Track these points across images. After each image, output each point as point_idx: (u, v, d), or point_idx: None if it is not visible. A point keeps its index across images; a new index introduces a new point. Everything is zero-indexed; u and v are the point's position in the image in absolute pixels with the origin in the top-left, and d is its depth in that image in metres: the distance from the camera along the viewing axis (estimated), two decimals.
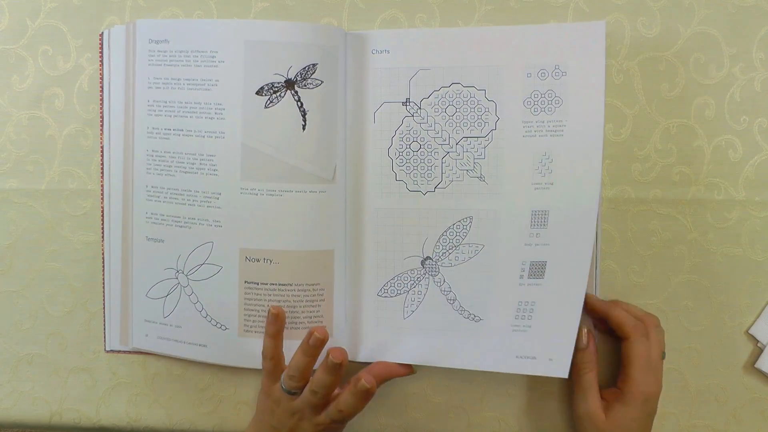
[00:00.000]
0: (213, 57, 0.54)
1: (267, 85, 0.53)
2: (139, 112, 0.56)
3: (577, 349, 0.54)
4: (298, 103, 0.53)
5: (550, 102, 0.54)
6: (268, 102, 0.53)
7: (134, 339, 0.58)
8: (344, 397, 0.53)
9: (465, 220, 0.55)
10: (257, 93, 0.53)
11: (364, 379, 0.52)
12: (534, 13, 0.57)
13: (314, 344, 0.53)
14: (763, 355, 0.56)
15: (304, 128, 0.54)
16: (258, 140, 0.54)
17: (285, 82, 0.53)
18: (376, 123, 0.56)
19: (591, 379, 0.54)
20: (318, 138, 0.54)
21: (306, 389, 0.53)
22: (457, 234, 0.55)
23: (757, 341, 0.57)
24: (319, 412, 0.53)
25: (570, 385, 0.57)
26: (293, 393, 0.53)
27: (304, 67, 0.53)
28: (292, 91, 0.53)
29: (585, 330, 0.54)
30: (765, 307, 0.57)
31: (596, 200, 0.53)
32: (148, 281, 0.57)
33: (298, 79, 0.53)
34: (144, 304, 0.57)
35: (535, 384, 0.58)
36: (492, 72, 0.54)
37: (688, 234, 0.57)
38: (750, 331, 0.57)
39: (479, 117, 0.55)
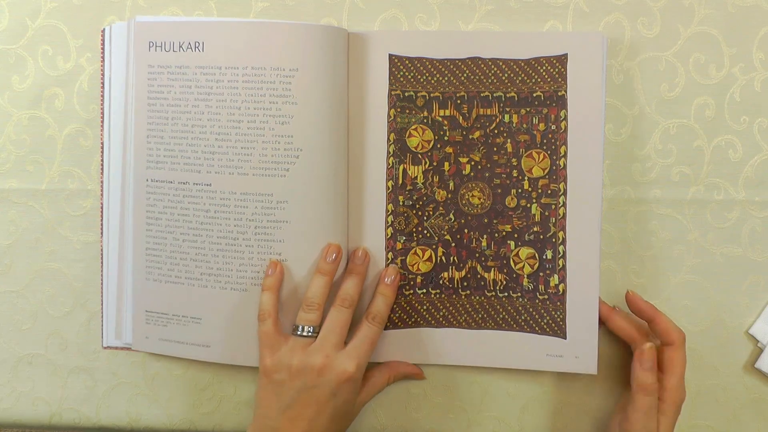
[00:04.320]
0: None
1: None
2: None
3: (643, 369, 0.51)
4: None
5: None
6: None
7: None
8: (374, 302, 0.54)
9: None
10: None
11: (390, 272, 0.55)
12: (534, 13, 0.57)
13: (332, 259, 0.54)
14: (763, 355, 0.56)
15: None
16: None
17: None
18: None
19: (654, 401, 0.51)
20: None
21: (332, 310, 0.53)
22: None
23: (757, 341, 0.57)
24: (341, 345, 0.52)
25: (573, 388, 0.58)
26: (310, 335, 0.52)
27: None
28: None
29: (649, 346, 0.51)
30: (765, 307, 0.57)
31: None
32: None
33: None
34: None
35: (535, 384, 0.58)
36: None
37: (688, 234, 0.57)
38: (750, 331, 0.57)
39: None
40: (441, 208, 0.56)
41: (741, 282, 0.57)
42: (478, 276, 0.56)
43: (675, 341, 0.52)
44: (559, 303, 0.55)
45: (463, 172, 0.56)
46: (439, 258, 0.56)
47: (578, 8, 0.56)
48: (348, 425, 0.54)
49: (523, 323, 0.56)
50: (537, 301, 0.55)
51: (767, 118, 0.56)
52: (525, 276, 0.56)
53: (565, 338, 0.55)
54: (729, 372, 0.57)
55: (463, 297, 0.56)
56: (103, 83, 0.58)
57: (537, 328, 0.55)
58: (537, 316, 0.55)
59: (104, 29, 0.58)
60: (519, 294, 0.56)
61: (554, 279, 0.55)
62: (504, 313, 0.56)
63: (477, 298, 0.56)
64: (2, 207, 0.61)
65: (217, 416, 0.60)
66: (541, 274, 0.55)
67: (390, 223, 0.56)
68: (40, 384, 0.61)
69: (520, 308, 0.56)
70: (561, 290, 0.55)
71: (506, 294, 0.56)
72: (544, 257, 0.55)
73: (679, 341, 0.52)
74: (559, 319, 0.55)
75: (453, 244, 0.56)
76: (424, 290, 0.57)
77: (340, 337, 0.52)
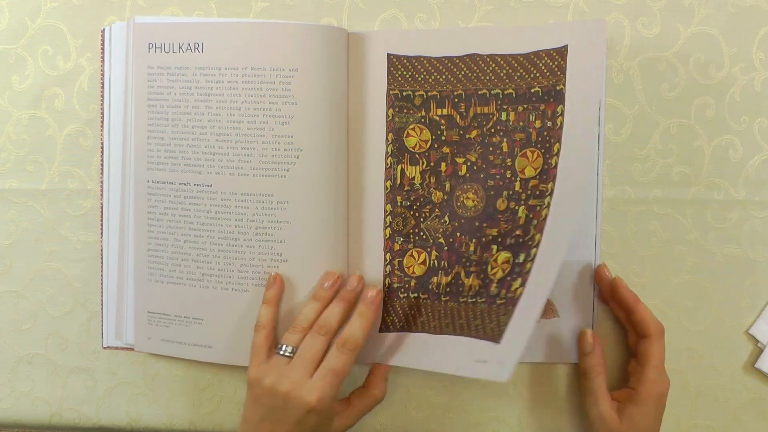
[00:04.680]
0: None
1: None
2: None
3: (584, 354, 0.54)
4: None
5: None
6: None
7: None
8: (350, 324, 0.52)
9: None
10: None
11: (371, 290, 0.54)
12: (534, 13, 0.57)
13: (329, 286, 0.54)
14: (763, 355, 0.56)
15: None
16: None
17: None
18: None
19: (600, 383, 0.53)
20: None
21: (308, 336, 0.52)
22: None
23: (757, 341, 0.57)
24: (311, 373, 0.51)
25: (576, 386, 0.57)
26: (289, 355, 0.51)
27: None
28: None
29: (590, 333, 0.54)
30: (765, 307, 0.57)
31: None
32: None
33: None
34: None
35: (536, 384, 0.58)
36: None
37: (688, 234, 0.57)
38: (750, 331, 0.57)
39: None
40: (437, 210, 0.56)
41: (741, 282, 0.57)
42: (460, 282, 0.54)
43: (651, 334, 0.52)
44: (511, 307, 0.51)
45: (459, 173, 0.55)
46: (431, 262, 0.56)
47: (578, 8, 0.56)
48: None
49: (473, 328, 0.53)
50: (494, 305, 0.52)
51: (767, 118, 0.56)
52: (495, 281, 0.53)
53: (498, 342, 0.50)
54: (729, 372, 0.57)
55: (443, 302, 0.55)
56: (103, 83, 0.58)
57: (481, 333, 0.52)
58: (488, 320, 0.52)
59: (104, 29, 0.58)
60: (484, 299, 0.53)
61: (517, 283, 0.51)
62: (464, 319, 0.54)
63: (452, 304, 0.54)
64: (2, 207, 0.61)
65: (217, 416, 0.60)
66: (508, 278, 0.52)
67: (388, 223, 0.56)
68: (40, 384, 0.61)
69: (478, 313, 0.53)
70: (518, 294, 0.51)
71: (474, 300, 0.54)
72: (517, 261, 0.52)
73: (656, 334, 0.52)
74: (503, 323, 0.51)
75: (445, 248, 0.55)
76: (416, 294, 0.56)
77: (310, 364, 0.51)
